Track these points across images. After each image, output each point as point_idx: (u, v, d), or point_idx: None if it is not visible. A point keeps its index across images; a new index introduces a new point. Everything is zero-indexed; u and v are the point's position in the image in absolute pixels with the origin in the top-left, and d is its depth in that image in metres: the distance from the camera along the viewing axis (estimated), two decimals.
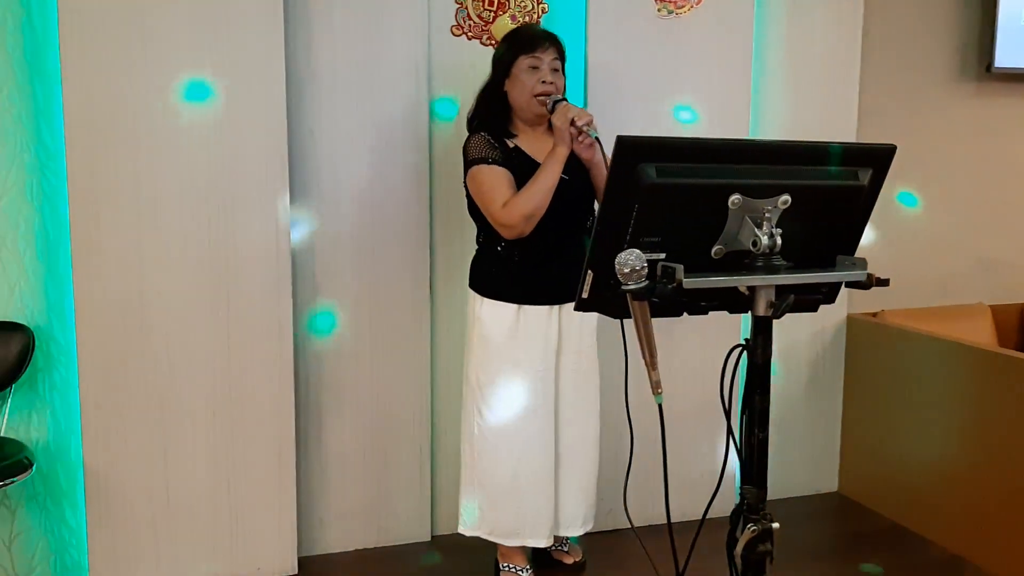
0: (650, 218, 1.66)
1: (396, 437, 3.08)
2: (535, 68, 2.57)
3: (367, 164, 2.93)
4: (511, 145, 2.62)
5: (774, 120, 3.37)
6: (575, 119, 2.43)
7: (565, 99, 2.56)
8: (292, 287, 2.88)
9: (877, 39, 3.49)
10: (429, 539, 3.18)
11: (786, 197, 1.71)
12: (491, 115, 2.65)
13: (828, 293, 1.90)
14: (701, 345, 3.27)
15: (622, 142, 1.61)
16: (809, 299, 1.89)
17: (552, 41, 2.62)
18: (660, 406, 1.73)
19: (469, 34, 2.99)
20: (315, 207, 2.91)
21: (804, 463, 3.62)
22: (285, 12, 2.77)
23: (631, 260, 1.60)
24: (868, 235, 3.46)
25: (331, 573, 2.99)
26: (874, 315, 3.59)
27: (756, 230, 1.69)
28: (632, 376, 3.08)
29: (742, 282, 1.68)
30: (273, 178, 2.73)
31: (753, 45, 3.21)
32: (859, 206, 1.82)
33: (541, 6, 3.06)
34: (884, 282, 1.82)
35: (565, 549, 2.97)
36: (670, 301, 1.65)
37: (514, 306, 2.59)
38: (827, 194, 1.78)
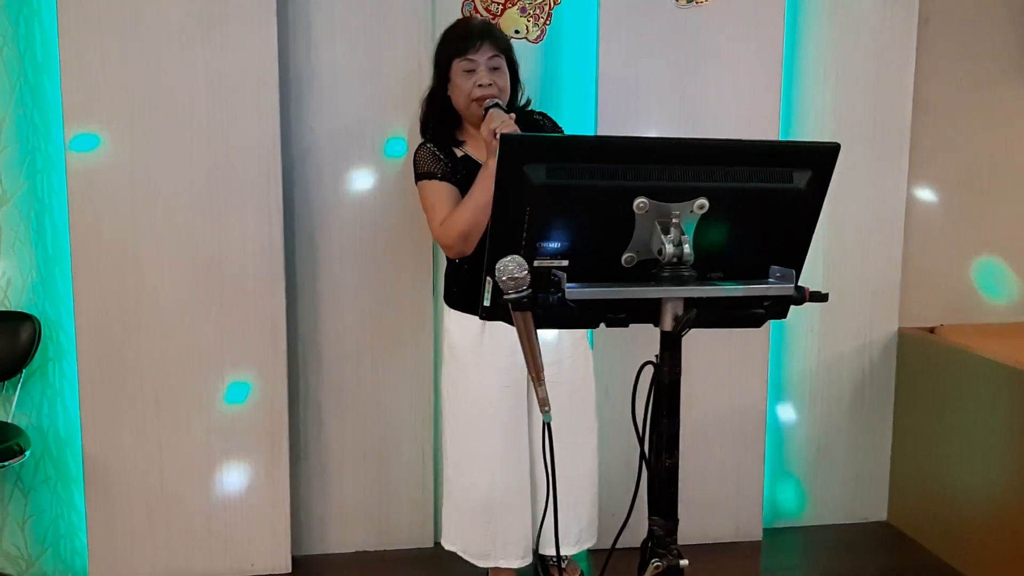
0: (546, 222, 1.54)
1: (398, 440, 3.04)
2: (470, 71, 2.40)
3: (370, 161, 2.89)
4: (459, 154, 2.47)
5: (813, 118, 3.12)
6: (496, 130, 2.22)
7: (499, 104, 2.35)
8: (293, 286, 2.90)
9: (936, 26, 3.16)
10: (431, 545, 3.12)
11: (703, 201, 1.54)
12: (438, 122, 2.51)
13: (772, 308, 1.70)
14: (725, 357, 3.07)
15: (505, 141, 1.49)
16: (747, 314, 1.71)
17: (486, 37, 2.41)
18: (548, 425, 1.59)
19: None
20: (316, 205, 2.89)
21: (850, 488, 3.35)
22: (287, 9, 2.78)
23: (510, 267, 1.48)
24: (931, 242, 3.22)
25: (325, 573, 2.97)
26: (931, 330, 3.26)
27: (662, 237, 1.53)
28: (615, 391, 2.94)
29: (635, 294, 1.53)
30: (266, 176, 2.73)
31: (785, 36, 2.97)
32: (798, 212, 1.62)
33: None
34: (822, 297, 1.61)
35: (563, 565, 2.84)
36: (555, 312, 1.52)
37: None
38: (754, 198, 1.59)
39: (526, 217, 1.53)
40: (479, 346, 2.47)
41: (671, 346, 1.58)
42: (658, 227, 1.54)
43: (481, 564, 2.65)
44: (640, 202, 1.52)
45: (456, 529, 2.64)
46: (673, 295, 1.54)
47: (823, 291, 1.62)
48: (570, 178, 1.53)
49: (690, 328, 1.56)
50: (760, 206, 1.61)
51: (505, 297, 1.48)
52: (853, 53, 3.10)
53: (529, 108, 2.60)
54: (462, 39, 2.42)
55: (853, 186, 3.16)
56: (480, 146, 2.44)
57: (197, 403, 2.80)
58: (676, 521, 1.62)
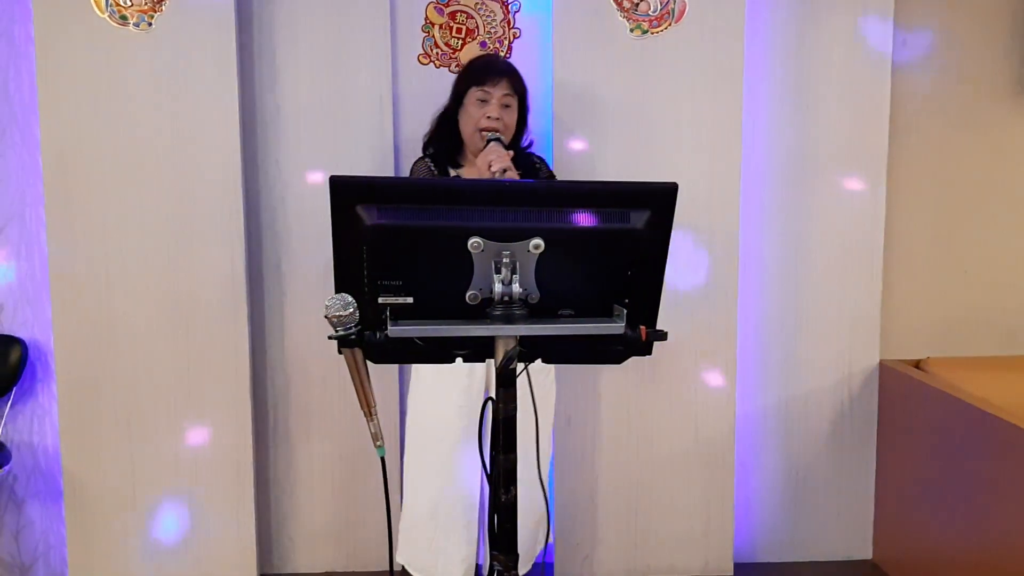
0: (384, 261, 1.59)
1: (365, 463, 3.10)
2: (484, 101, 2.52)
3: None
4: (452, 174, 2.58)
5: (782, 144, 3.07)
6: (491, 163, 2.33)
7: (500, 139, 2.46)
8: (261, 313, 3.01)
9: (914, 47, 3.07)
10: (400, 569, 3.17)
11: (537, 241, 1.56)
12: (442, 141, 2.63)
13: (631, 345, 1.69)
14: (690, 389, 3.03)
15: (334, 183, 1.55)
16: (605, 351, 1.71)
17: (506, 74, 2.54)
18: (383, 459, 1.63)
19: (437, 62, 2.97)
20: (282, 234, 3.00)
21: (832, 525, 3.25)
22: (251, 46, 2.91)
23: (336, 305, 1.54)
24: (914, 270, 3.11)
25: None
26: (917, 363, 3.14)
27: (494, 276, 1.56)
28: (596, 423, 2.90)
29: (460, 332, 1.56)
30: (228, 209, 2.85)
31: (747, 61, 2.93)
32: (639, 251, 1.61)
33: (512, 31, 2.98)
34: (661, 335, 1.60)
35: None
36: (380, 349, 1.56)
37: None
38: (590, 238, 1.60)
39: (364, 256, 1.59)
40: (439, 366, 2.52)
41: (504, 382, 1.60)
42: (493, 266, 1.57)
43: None
44: (474, 242, 1.55)
45: (404, 541, 2.70)
46: (499, 333, 1.56)
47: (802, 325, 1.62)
48: (402, 219, 1.58)
49: (515, 364, 1.57)
50: (597, 246, 1.62)
51: (331, 336, 1.54)
52: (825, 77, 3.04)
53: (529, 151, 2.70)
54: (484, 70, 2.56)
55: (828, 211, 3.09)
56: (474, 173, 2.54)
57: (166, 424, 2.92)
58: (516, 556, 1.64)
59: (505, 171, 2.32)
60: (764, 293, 3.13)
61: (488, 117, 2.49)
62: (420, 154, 2.65)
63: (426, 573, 2.68)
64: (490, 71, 2.55)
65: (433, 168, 2.57)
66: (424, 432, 2.64)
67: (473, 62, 2.66)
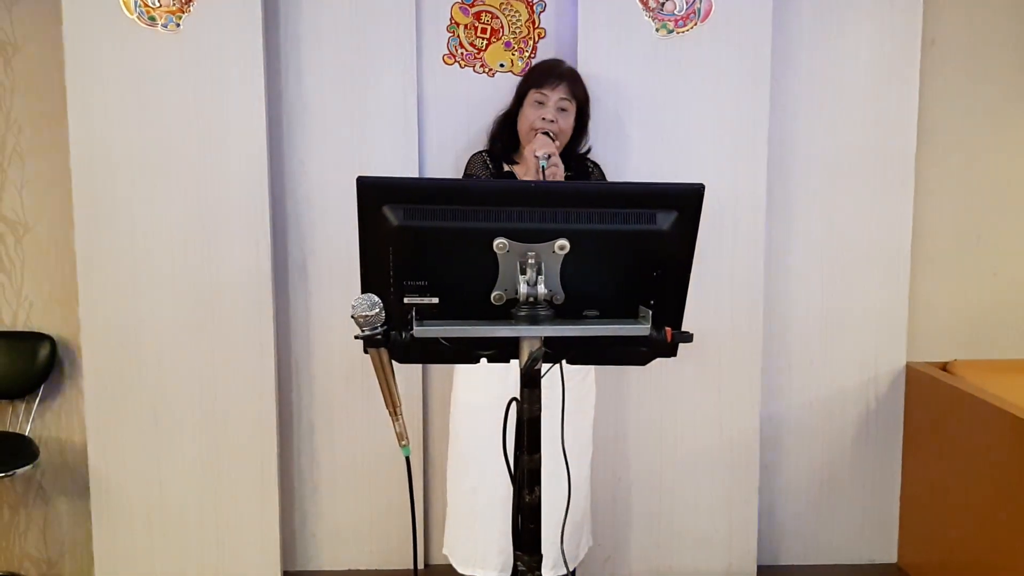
0: (409, 261, 1.59)
1: (389, 461, 3.11)
2: (540, 103, 2.58)
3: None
4: (506, 169, 2.64)
5: (808, 145, 3.04)
6: (536, 149, 2.38)
7: (548, 134, 2.50)
8: (286, 311, 3.03)
9: (943, 49, 3.04)
10: (423, 567, 3.19)
11: (563, 242, 1.56)
12: (501, 138, 2.70)
13: (656, 347, 1.69)
14: (715, 390, 3.02)
15: (361, 183, 1.55)
16: (629, 352, 1.71)
17: (565, 79, 2.60)
18: (408, 459, 1.63)
19: (462, 62, 2.98)
20: (307, 234, 3.01)
21: (857, 527, 3.23)
22: (278, 49, 2.92)
23: (363, 306, 1.54)
24: (945, 272, 3.08)
25: None
26: (943, 366, 3.11)
27: (519, 276, 1.56)
28: (615, 419, 2.90)
29: (484, 332, 1.56)
30: (254, 208, 2.87)
31: (774, 62, 2.91)
32: (665, 252, 1.61)
33: (537, 31, 2.97)
34: (687, 337, 1.60)
35: None
36: (405, 349, 1.57)
37: None
38: (616, 239, 1.60)
39: (390, 256, 1.60)
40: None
41: (528, 383, 1.60)
42: (518, 267, 1.57)
43: (462, 570, 2.70)
44: (500, 242, 1.55)
45: (448, 532, 2.71)
46: (524, 334, 1.56)
47: (834, 326, 1.62)
48: (428, 219, 1.58)
49: (540, 365, 1.57)
50: (623, 247, 1.61)
51: (357, 336, 1.55)
52: (852, 78, 3.02)
53: (588, 156, 2.74)
54: (544, 74, 2.63)
55: (855, 214, 3.07)
56: (526, 171, 2.57)
57: (192, 422, 2.95)
58: (540, 556, 1.63)
59: (549, 156, 2.35)
60: (790, 294, 3.12)
61: (543, 119, 2.54)
62: (448, 152, 2.67)
63: (465, 565, 2.68)
64: (549, 75, 2.61)
65: (488, 161, 2.65)
66: (464, 425, 2.65)
67: (536, 66, 2.74)
